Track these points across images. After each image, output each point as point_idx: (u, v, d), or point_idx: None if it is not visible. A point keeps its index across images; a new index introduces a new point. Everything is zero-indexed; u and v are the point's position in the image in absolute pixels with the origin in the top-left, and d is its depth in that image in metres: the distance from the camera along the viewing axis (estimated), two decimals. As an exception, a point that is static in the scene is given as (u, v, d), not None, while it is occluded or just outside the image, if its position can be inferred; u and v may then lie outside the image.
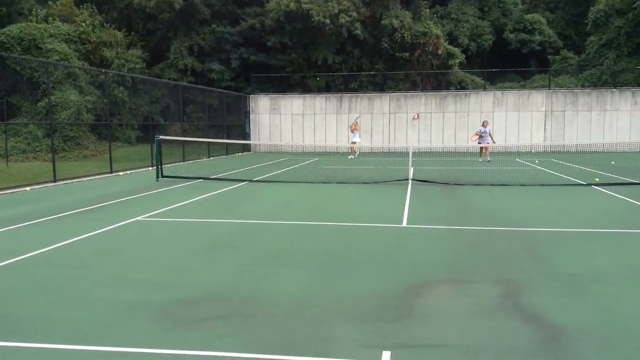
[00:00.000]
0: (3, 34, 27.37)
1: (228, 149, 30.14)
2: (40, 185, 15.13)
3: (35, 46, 27.25)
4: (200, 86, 30.18)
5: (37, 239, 8.13)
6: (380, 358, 4.00)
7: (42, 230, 8.90)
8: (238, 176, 17.36)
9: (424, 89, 33.72)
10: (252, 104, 33.43)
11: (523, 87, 34.83)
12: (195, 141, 24.42)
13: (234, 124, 32.33)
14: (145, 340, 4.31)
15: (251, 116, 33.46)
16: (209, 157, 27.20)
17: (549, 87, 32.32)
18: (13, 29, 27.68)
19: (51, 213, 10.41)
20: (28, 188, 14.51)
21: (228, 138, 29.89)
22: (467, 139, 30.18)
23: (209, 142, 26.34)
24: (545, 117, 31.07)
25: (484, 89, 33.06)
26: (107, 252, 7.41)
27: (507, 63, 39.13)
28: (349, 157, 27.15)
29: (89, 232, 8.55)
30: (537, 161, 23.50)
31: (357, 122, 27.58)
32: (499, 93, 31.71)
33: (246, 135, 33.16)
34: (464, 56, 36.58)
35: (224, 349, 4.14)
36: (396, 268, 6.53)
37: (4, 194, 13.53)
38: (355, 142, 25.98)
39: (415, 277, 6.09)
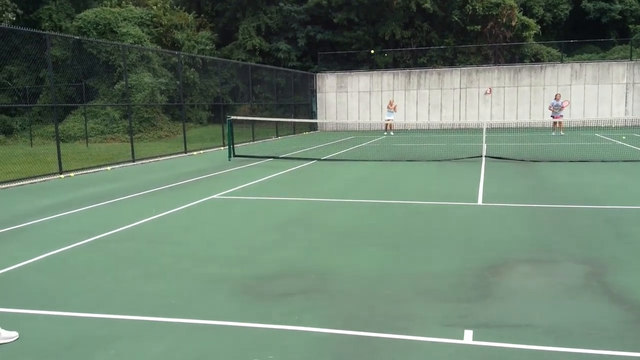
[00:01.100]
0: (80, 18, 28.55)
1: (295, 128, 30.36)
2: (120, 165, 15.79)
3: (110, 30, 28.28)
4: (268, 66, 30.46)
5: (121, 216, 8.49)
6: (462, 337, 3.93)
7: (124, 207, 9.29)
8: (307, 155, 17.47)
9: (497, 62, 32.62)
10: (318, 83, 33.43)
11: (602, 58, 33.01)
12: (264, 121, 24.73)
13: (301, 103, 32.49)
14: (227, 314, 4.43)
15: (318, 95, 33.49)
16: (277, 137, 27.50)
17: (630, 58, 30.48)
18: (89, 13, 28.80)
19: (132, 191, 10.85)
20: (109, 168, 15.18)
21: (295, 117, 30.10)
22: (542, 114, 29.04)
23: (277, 122, 26.62)
24: (627, 90, 29.39)
25: (561, 61, 31.61)
26: (187, 228, 7.65)
27: (585, 34, 37.14)
28: (384, 134, 27.49)
29: (169, 210, 8.85)
30: (624, 137, 22.05)
31: (392, 101, 28.25)
32: (576, 65, 30.22)
33: (313, 114, 33.26)
34: (539, 27, 35.00)
35: (303, 324, 4.19)
36: (473, 247, 6.38)
37: (86, 173, 14.21)
38: (390, 120, 26.68)
39: (493, 256, 5.94)
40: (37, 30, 16.00)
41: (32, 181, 12.66)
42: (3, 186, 11.94)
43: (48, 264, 5.99)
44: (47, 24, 29.09)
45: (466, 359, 3.60)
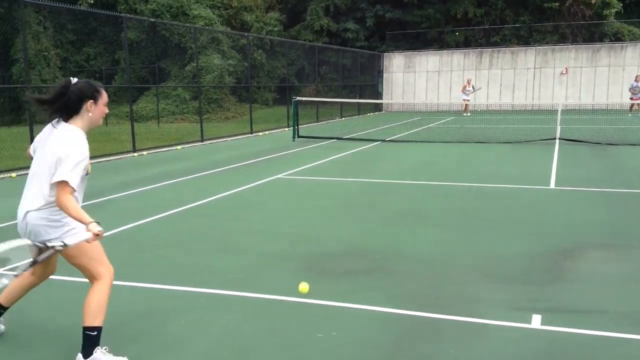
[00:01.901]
0: (154, 2, 29.34)
1: (360, 109, 30.18)
2: (190, 145, 16.25)
3: (183, 12, 28.90)
4: (334, 46, 30.33)
5: (191, 193, 8.76)
6: (530, 321, 3.83)
7: (195, 185, 9.58)
8: (371, 136, 17.36)
9: (574, 41, 31.10)
10: (385, 63, 33.02)
11: (690, 35, 30.86)
12: (329, 102, 24.72)
13: (367, 84, 32.22)
14: (293, 290, 4.49)
15: (384, 75, 33.10)
16: (341, 118, 27.46)
17: None
18: (163, -4, 29.55)
19: (202, 170, 11.15)
20: (179, 147, 15.65)
21: (360, 98, 29.91)
22: (621, 95, 27.56)
23: (341, 103, 26.55)
24: None
25: (644, 39, 29.79)
26: (254, 206, 7.80)
27: (672, 10, 34.77)
28: (464, 114, 27.08)
29: (237, 188, 9.05)
30: None
31: (470, 80, 27.61)
32: (660, 44, 28.41)
33: (378, 95, 32.94)
34: (621, 5, 32.99)
35: (368, 303, 4.20)
36: (545, 230, 6.18)
37: (159, 152, 14.71)
38: (468, 100, 26.37)
39: (566, 240, 5.73)
40: (113, 13, 16.59)
41: (107, 159, 13.24)
42: (82, 163, 12.55)
43: (123, 237, 6.28)
44: (122, 6, 30.04)
45: (534, 344, 3.51)
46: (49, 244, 3.13)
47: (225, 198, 8.36)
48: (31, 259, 3.20)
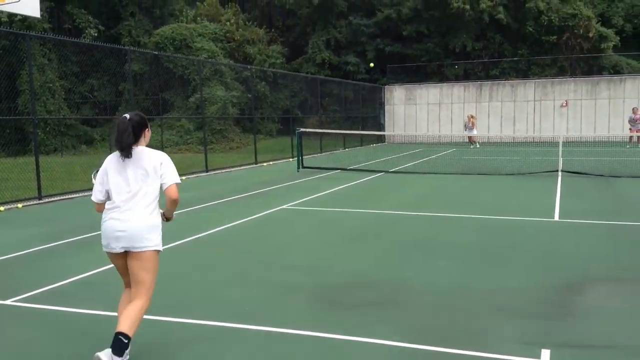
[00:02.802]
0: (158, 34, 29.84)
1: (363, 140, 30.38)
2: (195, 175, 16.33)
3: (186, 45, 29.36)
4: (336, 79, 30.71)
5: (198, 223, 8.78)
6: (540, 356, 3.83)
7: (201, 215, 9.61)
8: (375, 167, 17.44)
9: (573, 74, 31.47)
10: (387, 95, 33.37)
11: (688, 69, 31.25)
12: (332, 133, 24.89)
13: (369, 115, 32.50)
14: (302, 322, 4.50)
15: (386, 107, 33.42)
16: (344, 149, 27.62)
17: None
18: (166, 30, 30.05)
19: (207, 200, 11.20)
20: (184, 177, 15.72)
21: (363, 129, 30.13)
22: (622, 128, 27.75)
23: (344, 134, 26.74)
24: None
25: (642, 72, 30.14)
26: (259, 237, 7.82)
27: (669, 44, 35.29)
28: (471, 147, 27.05)
29: (243, 219, 9.08)
30: None
31: (471, 117, 27.43)
32: (659, 77, 28.74)
33: (380, 127, 33.20)
34: (619, 38, 33.52)
35: (376, 336, 4.19)
36: (551, 263, 6.20)
37: (163, 182, 14.78)
38: (472, 135, 26.43)
39: (572, 274, 5.74)
40: (117, 46, 16.87)
41: (113, 189, 13.28)
42: (86, 194, 12.60)
43: (130, 268, 6.28)
44: (126, 39, 30.56)
45: (546, 378, 3.51)
46: (146, 249, 3.81)
47: (231, 229, 8.38)
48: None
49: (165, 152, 18.48)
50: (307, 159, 19.21)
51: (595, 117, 29.35)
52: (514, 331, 4.28)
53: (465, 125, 27.39)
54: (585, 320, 4.49)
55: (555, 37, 32.07)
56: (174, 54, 27.18)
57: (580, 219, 8.66)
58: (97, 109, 29.74)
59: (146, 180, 3.85)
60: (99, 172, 3.98)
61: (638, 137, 23.13)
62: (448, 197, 11.31)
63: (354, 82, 31.91)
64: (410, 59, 34.93)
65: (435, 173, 15.50)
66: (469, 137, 27.12)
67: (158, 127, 27.34)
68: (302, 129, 18.20)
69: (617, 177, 13.71)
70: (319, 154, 24.11)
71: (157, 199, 3.90)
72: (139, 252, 3.78)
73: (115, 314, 3.99)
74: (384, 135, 33.08)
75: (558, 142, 16.27)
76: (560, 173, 14.34)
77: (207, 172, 16.93)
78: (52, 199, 11.86)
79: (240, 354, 3.95)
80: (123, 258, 3.87)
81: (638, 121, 23.57)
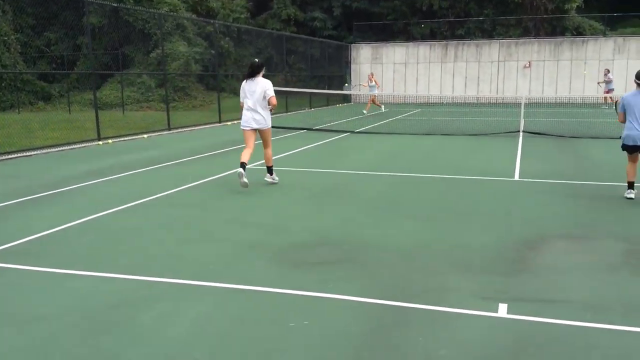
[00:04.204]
0: (117, -15, 28.73)
1: (329, 100, 30.22)
2: (157, 133, 16.03)
3: (147, -3, 28.39)
4: (302, 36, 30.24)
5: (159, 182, 8.67)
6: (497, 310, 3.94)
7: (163, 174, 9.48)
8: (340, 127, 17.42)
9: (537, 35, 31.72)
10: (353, 54, 33.10)
11: (648, 32, 31.80)
12: (298, 92, 24.64)
13: (335, 75, 32.25)
14: (264, 280, 4.52)
15: (352, 66, 33.19)
16: (310, 108, 27.45)
17: (678, 31, 29.31)
18: (126, -20, 28.93)
19: (170, 159, 11.03)
20: (146, 135, 15.43)
21: (329, 89, 29.92)
22: (583, 89, 28.30)
23: (310, 93, 26.51)
24: (673, 65, 28.34)
25: (604, 35, 30.57)
26: (223, 196, 7.78)
27: (630, 7, 35.70)
28: (364, 111, 23.56)
29: (206, 178, 8.99)
30: None
31: (372, 75, 24.50)
32: (620, 40, 29.26)
33: (345, 87, 33.02)
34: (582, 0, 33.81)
35: (338, 292, 4.25)
36: (510, 221, 6.34)
37: (123, 140, 14.48)
38: (375, 95, 23.56)
39: (530, 231, 5.90)
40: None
41: (71, 147, 12.98)
42: (44, 151, 12.27)
43: (90, 227, 6.18)
44: (84, -9, 29.36)
45: (500, 332, 3.62)
46: (267, 127, 8.29)
47: (194, 188, 8.30)
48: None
49: (126, 109, 18.12)
50: (273, 119, 18.88)
51: (557, 78, 29.79)
52: (473, 287, 4.39)
53: (368, 84, 23.93)
54: (541, 276, 4.63)
55: (520, -3, 32.12)
56: (134, 7, 26.25)
57: (539, 178, 8.86)
58: (55, 64, 28.71)
59: (261, 94, 8.10)
60: (242, 88, 8.26)
61: (611, 97, 23.64)
62: (412, 157, 11.40)
63: (321, 39, 31.49)
64: (376, 16, 34.58)
65: (400, 133, 15.57)
66: (373, 99, 23.60)
67: (118, 84, 26.61)
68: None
69: (577, 137, 14.03)
70: (284, 114, 23.91)
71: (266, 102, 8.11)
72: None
73: (74, 271, 3.92)
74: (350, 95, 32.94)
75: (520, 103, 16.48)
76: (521, 134, 14.59)
77: (169, 130, 16.64)
78: (9, 156, 11.51)
79: (203, 311, 3.95)
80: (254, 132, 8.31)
81: (610, 82, 24.15)
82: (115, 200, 7.34)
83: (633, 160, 7.41)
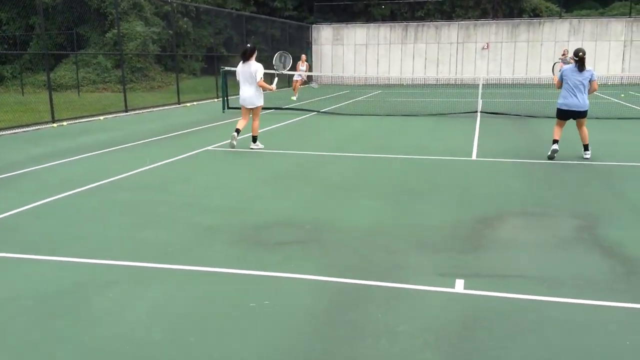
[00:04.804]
0: (71, -37, 27.73)
1: (290, 81, 29.99)
2: (113, 115, 15.66)
3: (102, -25, 27.51)
4: (262, 16, 29.86)
5: (115, 165, 8.49)
6: (454, 286, 4.02)
7: (119, 157, 9.28)
8: (301, 108, 17.34)
9: (495, 16, 32.12)
10: (314, 35, 32.90)
11: (601, 15, 32.58)
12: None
13: (296, 55, 31.94)
14: (224, 261, 4.50)
15: (313, 47, 33.00)
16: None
17: (629, 14, 30.08)
18: (79, -42, 27.95)
19: (126, 141, 10.80)
20: (102, 117, 15.05)
21: (290, 70, 29.66)
22: (539, 70, 28.86)
23: (271, 74, 26.25)
24: (625, 47, 29.16)
25: (560, 16, 31.17)
26: (182, 178, 7.67)
27: (585, -11, 36.54)
28: (294, 98, 20.84)
29: (164, 160, 8.84)
30: (622, 95, 21.94)
31: (304, 57, 22.65)
32: (575, 21, 29.87)
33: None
34: (540, -19, 34.35)
35: (299, 272, 4.26)
36: (467, 200, 6.45)
37: (79, 122, 14.10)
38: (297, 80, 21.67)
39: (487, 209, 6.01)
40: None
41: (25, 129, 12.57)
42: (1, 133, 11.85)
43: (44, 211, 6.02)
44: (35, -32, 28.25)
45: (457, 307, 3.69)
46: (255, 106, 9.70)
47: (152, 170, 8.16)
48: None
49: (82, 90, 17.66)
50: (233, 100, 18.79)
51: (514, 59, 30.29)
52: (431, 264, 4.46)
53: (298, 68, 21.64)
54: (497, 252, 4.73)
55: (479, -22, 32.41)
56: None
57: (496, 157, 9.03)
58: (7, 45, 27.61)
59: (250, 75, 9.39)
60: (237, 70, 9.69)
61: None
62: (373, 138, 11.45)
63: (281, 19, 31.16)
64: (337, -3, 34.40)
65: (362, 114, 15.61)
66: (299, 82, 21.73)
67: (73, 65, 25.82)
68: (227, 68, 17.69)
69: (533, 117, 14.32)
70: (245, 94, 23.56)
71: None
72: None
73: (28, 256, 3.81)
74: (312, 75, 32.74)
75: (478, 84, 16.71)
76: (479, 114, 14.81)
77: (126, 112, 16.27)
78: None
79: (160, 294, 3.90)
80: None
81: (568, 63, 24.53)
82: (70, 184, 7.15)
83: (560, 125, 8.87)
